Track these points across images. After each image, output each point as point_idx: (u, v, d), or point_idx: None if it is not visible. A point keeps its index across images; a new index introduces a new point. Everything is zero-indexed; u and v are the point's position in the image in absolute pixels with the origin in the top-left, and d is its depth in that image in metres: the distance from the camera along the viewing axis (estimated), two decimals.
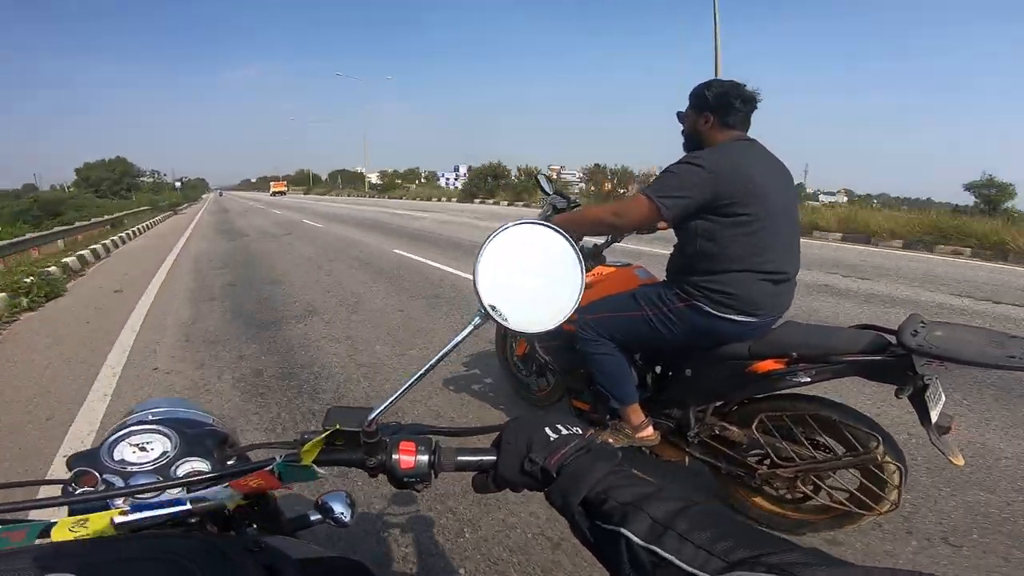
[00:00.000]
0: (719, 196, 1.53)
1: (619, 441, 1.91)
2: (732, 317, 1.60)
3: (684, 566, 0.37)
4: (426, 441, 0.56)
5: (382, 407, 0.55)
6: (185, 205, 35.12)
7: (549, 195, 2.06)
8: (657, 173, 1.95)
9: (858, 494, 1.58)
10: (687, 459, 1.92)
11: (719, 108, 1.64)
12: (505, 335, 2.74)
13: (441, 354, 0.57)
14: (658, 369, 2.03)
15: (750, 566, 0.33)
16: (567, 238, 0.59)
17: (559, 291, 0.59)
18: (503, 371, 2.84)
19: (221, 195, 67.10)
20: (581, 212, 1.97)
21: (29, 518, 0.51)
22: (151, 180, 62.36)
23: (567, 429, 0.53)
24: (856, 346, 1.49)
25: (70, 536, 0.46)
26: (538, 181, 2.17)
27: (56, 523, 0.47)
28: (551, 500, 0.49)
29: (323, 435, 0.53)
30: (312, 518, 0.68)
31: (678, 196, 1.56)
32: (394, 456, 0.54)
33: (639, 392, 1.92)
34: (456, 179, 57.71)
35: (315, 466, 0.53)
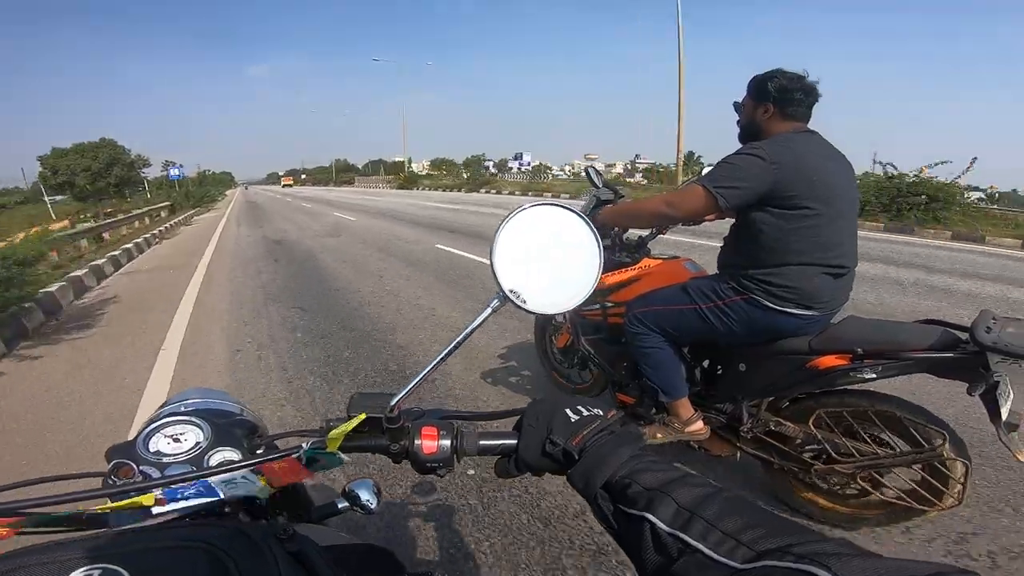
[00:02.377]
0: (781, 188, 1.49)
1: (668, 435, 1.90)
2: (792, 311, 1.57)
3: (711, 553, 0.36)
4: (448, 426, 0.56)
5: (403, 392, 0.55)
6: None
7: (598, 187, 2.04)
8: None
9: (920, 489, 1.55)
10: (738, 454, 1.90)
11: (780, 99, 1.58)
12: (544, 327, 2.73)
13: (460, 338, 0.57)
14: (706, 363, 2.01)
15: (779, 556, 0.33)
16: (584, 218, 0.58)
17: (577, 272, 0.58)
18: (542, 363, 2.84)
19: (247, 189, 68.25)
20: (632, 203, 1.94)
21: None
22: (163, 174, 38.52)
23: (588, 410, 0.52)
24: (925, 342, 1.46)
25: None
26: (588, 173, 2.15)
27: (97, 507, 0.49)
28: (573, 483, 0.48)
29: (352, 421, 0.53)
30: (339, 506, 0.68)
31: (737, 187, 1.52)
32: (416, 441, 0.54)
33: (687, 387, 1.90)
34: (520, 168, 54.31)
35: (340, 452, 0.54)
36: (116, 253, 8.37)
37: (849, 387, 1.62)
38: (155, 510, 0.49)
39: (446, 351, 0.57)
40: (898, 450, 1.58)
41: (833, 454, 1.64)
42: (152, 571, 0.39)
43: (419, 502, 1.93)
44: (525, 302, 0.55)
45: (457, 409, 0.60)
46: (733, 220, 1.71)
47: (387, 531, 1.78)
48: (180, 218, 17.61)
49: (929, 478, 1.53)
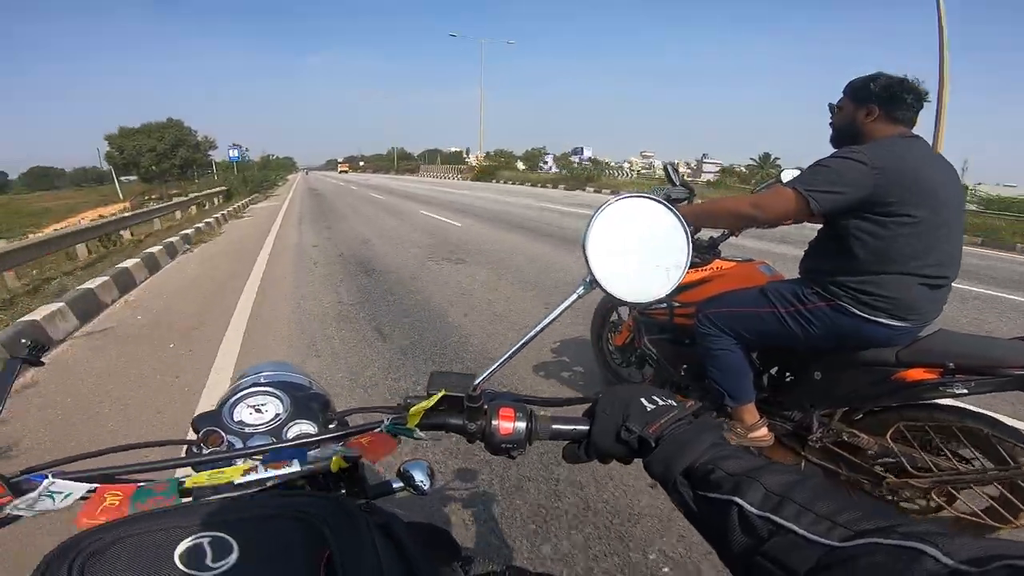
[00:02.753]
0: (881, 194, 1.46)
1: (730, 440, 1.88)
2: (883, 321, 1.54)
3: (804, 533, 0.35)
4: (524, 409, 0.57)
5: (487, 373, 0.55)
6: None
7: (675, 184, 2.04)
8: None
9: (997, 506, 1.53)
10: (802, 463, 1.87)
11: (887, 101, 1.54)
12: (602, 323, 2.74)
13: (545, 323, 0.57)
14: (775, 370, 1.99)
15: (882, 534, 0.32)
16: (674, 212, 0.58)
17: (665, 263, 0.59)
18: (597, 360, 2.84)
19: (307, 174, 69.64)
20: (711, 203, 1.93)
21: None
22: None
23: (663, 400, 0.53)
24: (1023, 359, 1.41)
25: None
26: (666, 170, 2.16)
27: (190, 479, 0.50)
28: (650, 469, 0.49)
29: (431, 399, 0.54)
30: (394, 485, 0.69)
31: (832, 191, 1.49)
32: (494, 422, 0.55)
33: (755, 392, 1.88)
34: (580, 162, 53.98)
35: (418, 430, 0.55)
36: (101, 281, 4.83)
37: (934, 401, 1.59)
38: (243, 479, 0.51)
39: (531, 334, 0.57)
40: (980, 466, 1.54)
41: (909, 468, 1.61)
42: (256, 539, 0.39)
43: (457, 488, 1.96)
44: (615, 290, 0.56)
45: (530, 395, 0.61)
46: (819, 225, 1.68)
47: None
48: (232, 208, 14.31)
49: (1009, 495, 1.50)
